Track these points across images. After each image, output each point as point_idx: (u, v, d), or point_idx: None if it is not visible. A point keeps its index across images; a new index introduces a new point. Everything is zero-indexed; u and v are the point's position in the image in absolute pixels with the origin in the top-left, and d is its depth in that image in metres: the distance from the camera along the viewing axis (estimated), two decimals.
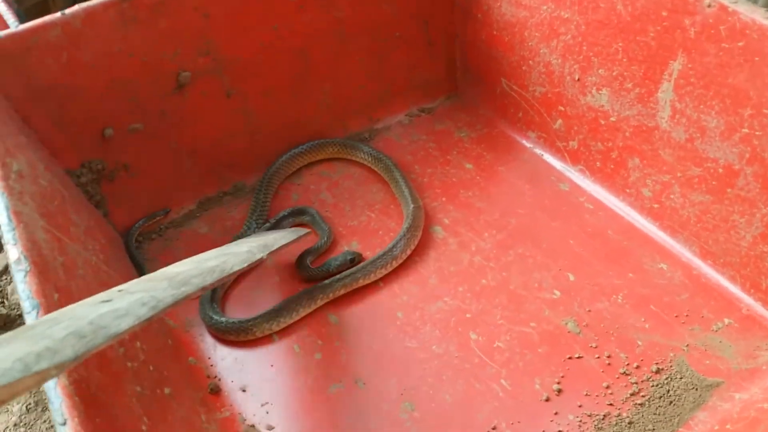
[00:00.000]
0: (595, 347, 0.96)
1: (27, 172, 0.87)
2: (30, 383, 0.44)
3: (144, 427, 0.68)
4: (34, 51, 1.02)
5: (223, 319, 1.02)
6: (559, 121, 1.23)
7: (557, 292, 1.04)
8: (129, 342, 0.83)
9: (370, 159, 1.27)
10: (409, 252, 1.10)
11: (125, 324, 0.54)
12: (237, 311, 1.06)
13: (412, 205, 1.15)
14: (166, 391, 0.81)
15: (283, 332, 1.03)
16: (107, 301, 0.59)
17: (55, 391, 0.59)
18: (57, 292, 0.71)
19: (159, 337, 0.95)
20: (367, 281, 1.07)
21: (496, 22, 1.28)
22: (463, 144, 1.32)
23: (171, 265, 0.78)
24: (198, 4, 1.12)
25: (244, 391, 0.96)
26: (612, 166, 1.16)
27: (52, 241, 0.80)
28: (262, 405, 0.94)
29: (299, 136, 1.30)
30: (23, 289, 0.67)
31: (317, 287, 1.04)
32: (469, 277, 1.07)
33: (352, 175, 1.28)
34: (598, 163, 1.19)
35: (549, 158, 1.27)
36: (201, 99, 1.18)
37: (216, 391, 0.95)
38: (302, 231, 1.09)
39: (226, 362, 0.99)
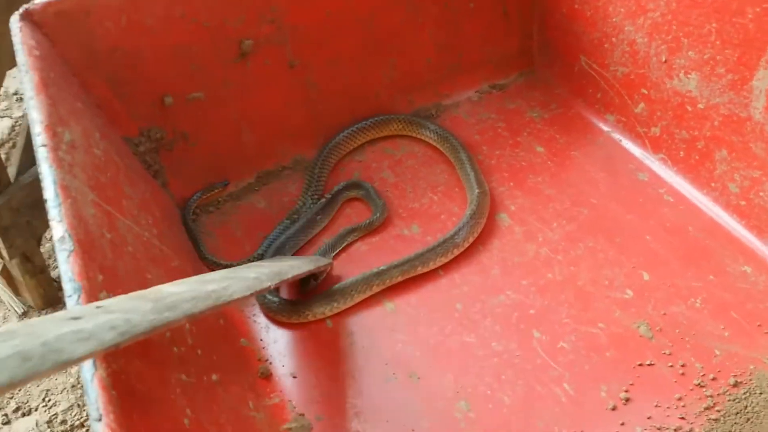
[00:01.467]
0: (669, 354, 0.89)
1: (80, 141, 0.85)
2: None
3: (186, 421, 0.66)
4: (94, 13, 0.99)
5: (276, 299, 0.99)
6: (642, 104, 1.14)
7: (629, 292, 0.97)
8: None
9: (435, 138, 1.21)
10: (471, 240, 1.05)
11: (82, 350, 0.49)
12: (293, 291, 1.03)
13: (477, 190, 1.09)
14: (214, 377, 0.79)
15: (338, 317, 0.99)
16: (77, 318, 0.54)
17: (91, 384, 0.56)
18: (101, 273, 0.68)
19: (210, 317, 0.93)
20: (426, 269, 1.02)
21: None
22: (534, 125, 1.25)
23: (172, 282, 0.72)
24: None
25: (294, 377, 0.92)
26: (697, 157, 1.08)
27: (101, 217, 0.77)
28: (312, 393, 0.90)
29: (363, 110, 1.25)
30: (65, 270, 0.65)
31: (374, 273, 1.00)
32: (534, 270, 1.01)
33: (416, 154, 1.22)
34: (681, 152, 1.10)
35: (628, 144, 1.18)
36: (264, 68, 1.14)
37: (266, 375, 0.93)
38: (324, 261, 1.03)
39: (278, 345, 0.96)
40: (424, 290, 1.01)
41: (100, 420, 0.54)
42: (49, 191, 0.72)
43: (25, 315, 1.54)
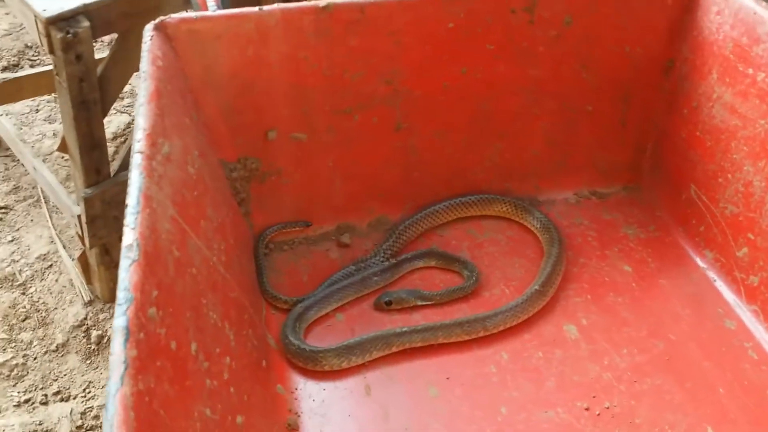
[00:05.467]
0: None
1: (177, 156, 0.87)
2: None
3: None
4: (224, 39, 1.03)
5: (296, 342, 0.99)
6: (745, 249, 1.08)
7: None
8: (218, 356, 0.80)
9: (539, 226, 1.19)
10: (501, 328, 1.03)
11: None
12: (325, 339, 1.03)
13: (535, 287, 1.06)
14: (239, 419, 0.77)
15: (379, 388, 0.96)
16: None
17: (113, 398, 0.56)
18: (157, 289, 0.69)
19: (253, 356, 0.92)
20: (447, 340, 1.01)
21: (702, 123, 1.15)
22: (627, 242, 1.20)
23: None
24: (394, 29, 1.09)
25: None
26: None
27: (175, 233, 0.78)
28: None
29: (457, 186, 1.24)
30: (123, 278, 0.65)
31: (396, 332, 1.00)
32: (591, 394, 0.96)
33: (499, 242, 1.19)
34: None
35: (721, 286, 1.11)
36: (370, 125, 1.15)
37: (294, 428, 0.91)
38: None
39: (312, 401, 0.94)
40: (472, 384, 0.97)
41: None
42: (132, 197, 0.74)
43: (90, 304, 1.58)
